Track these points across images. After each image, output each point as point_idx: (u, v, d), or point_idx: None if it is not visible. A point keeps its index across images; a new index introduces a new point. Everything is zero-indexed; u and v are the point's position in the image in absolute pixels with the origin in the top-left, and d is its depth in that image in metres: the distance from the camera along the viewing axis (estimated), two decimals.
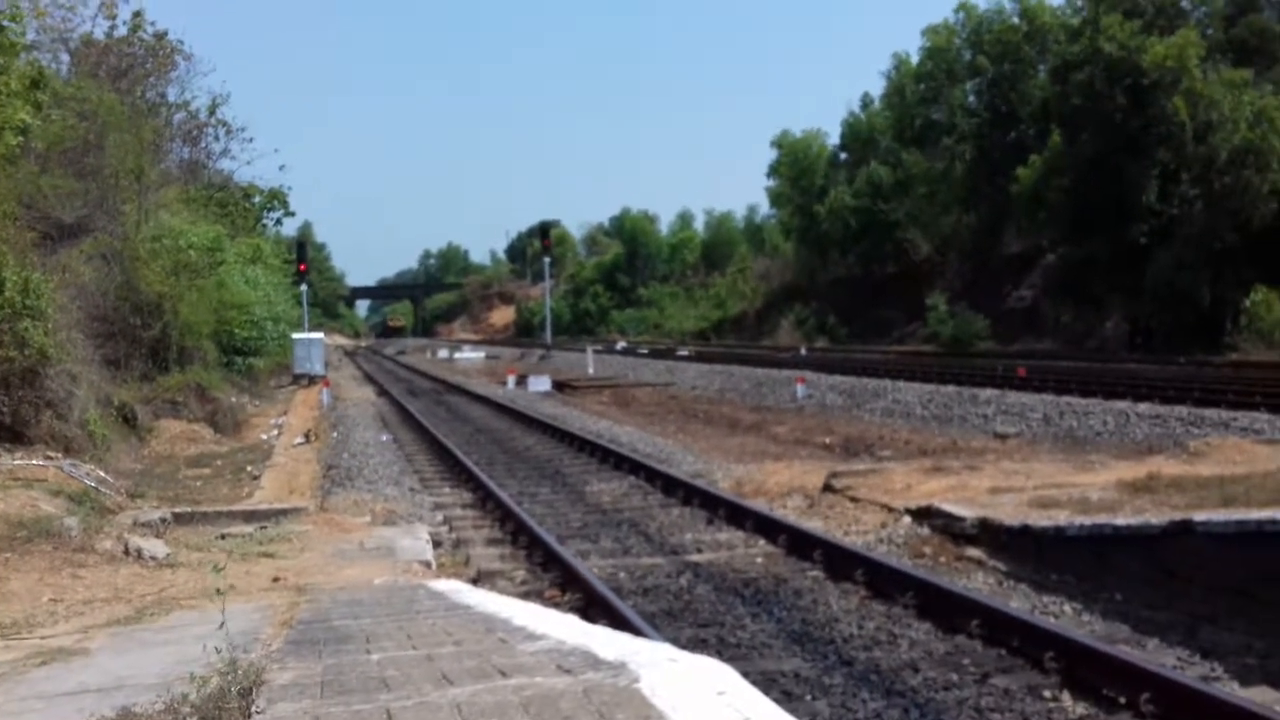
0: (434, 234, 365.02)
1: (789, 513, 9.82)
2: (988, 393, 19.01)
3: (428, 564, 7.55)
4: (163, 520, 8.74)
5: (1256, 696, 5.00)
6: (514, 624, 4.26)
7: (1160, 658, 5.68)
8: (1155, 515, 6.93)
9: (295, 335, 33.08)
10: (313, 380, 29.98)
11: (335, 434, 17.96)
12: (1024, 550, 7.55)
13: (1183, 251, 30.59)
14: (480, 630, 4.19)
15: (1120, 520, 7.07)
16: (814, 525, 9.07)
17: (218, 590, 4.81)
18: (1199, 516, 6.49)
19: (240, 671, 3.57)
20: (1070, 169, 33.63)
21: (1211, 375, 21.04)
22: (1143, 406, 15.75)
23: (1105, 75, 32.18)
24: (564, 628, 4.10)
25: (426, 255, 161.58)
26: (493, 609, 4.78)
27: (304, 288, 41.81)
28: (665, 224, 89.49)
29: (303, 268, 41.75)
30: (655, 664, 3.28)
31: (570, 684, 3.05)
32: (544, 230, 63.10)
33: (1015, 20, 42.04)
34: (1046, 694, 5.14)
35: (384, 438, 17.90)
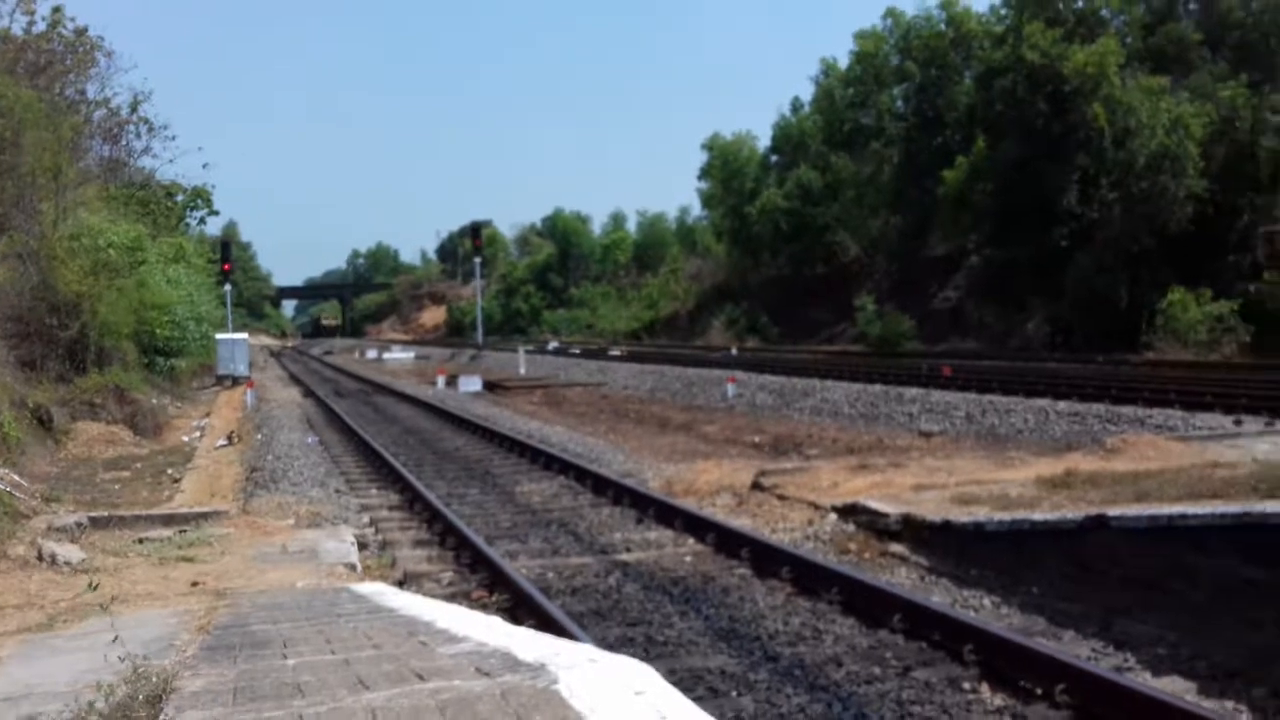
0: (363, 234, 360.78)
1: (718, 511, 9.87)
2: (913, 391, 19.36)
3: (352, 566, 7.43)
4: (79, 525, 8.48)
5: (1167, 686, 5.15)
6: (436, 627, 4.21)
7: (1076, 649, 5.81)
8: (1072, 510, 7.11)
9: (219, 336, 32.64)
10: (237, 381, 29.58)
11: (259, 436, 17.60)
12: (946, 546, 7.69)
13: (1102, 254, 31.47)
14: (401, 634, 4.13)
15: (1038, 515, 7.23)
16: (742, 523, 9.14)
17: (102, 602, 4.66)
18: (1113, 512, 6.67)
19: (149, 679, 3.47)
20: (994, 173, 34.37)
21: (1128, 374, 21.67)
22: (1062, 404, 16.17)
23: (1028, 82, 32.96)
24: (486, 630, 4.06)
25: (355, 255, 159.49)
26: (415, 612, 4.71)
27: (228, 287, 41.16)
28: (598, 225, 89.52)
29: (227, 267, 41.04)
30: (575, 665, 3.26)
31: (488, 686, 3.02)
32: (475, 230, 62.72)
33: (942, 27, 42.75)
34: (966, 686, 5.24)
35: (309, 439, 17.61)
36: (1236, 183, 29.88)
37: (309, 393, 29.70)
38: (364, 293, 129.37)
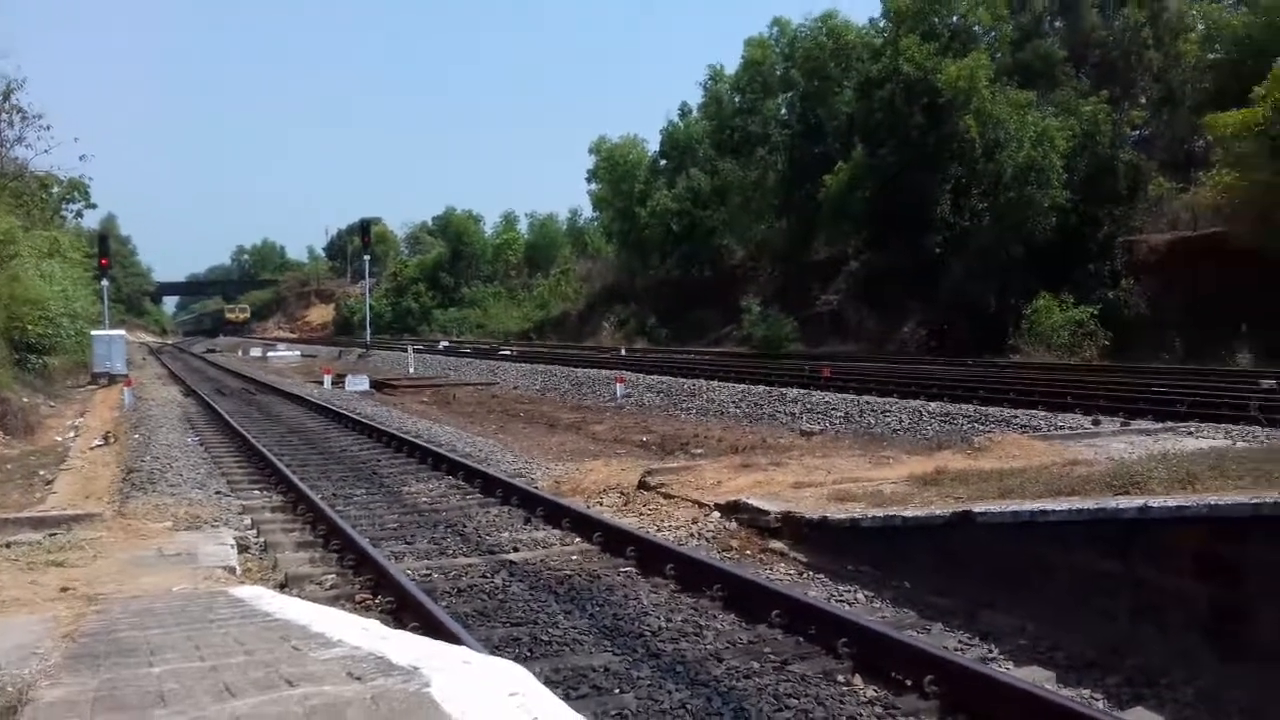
0: (249, 230, 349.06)
1: (605, 510, 9.94)
2: (795, 392, 19.82)
3: (231, 570, 7.25)
4: None
5: (1028, 675, 5.39)
6: (311, 631, 4.15)
7: (943, 641, 6.05)
8: (941, 507, 7.39)
9: (95, 332, 31.56)
10: (114, 379, 28.60)
11: (137, 436, 16.93)
12: (823, 542, 7.91)
13: (972, 261, 32.76)
14: (275, 638, 4.06)
15: (909, 512, 7.50)
16: (628, 522, 9.23)
17: None
18: (978, 508, 6.95)
19: (3, 690, 3.34)
20: (872, 181, 35.40)
21: (996, 376, 22.60)
22: (934, 405, 16.78)
23: (904, 93, 34.07)
24: (362, 634, 4.02)
25: (240, 251, 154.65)
26: (292, 616, 4.63)
27: (105, 283, 39.64)
28: (490, 224, 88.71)
29: (104, 262, 39.59)
30: (449, 668, 3.26)
31: (359, 691, 2.99)
32: (365, 227, 61.50)
33: (823, 38, 43.70)
34: (840, 679, 5.40)
35: (189, 439, 17.02)
36: (1097, 194, 31.46)
37: (190, 391, 28.65)
38: (249, 289, 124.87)
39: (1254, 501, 5.33)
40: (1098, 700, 5.19)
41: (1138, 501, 6.05)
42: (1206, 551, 5.55)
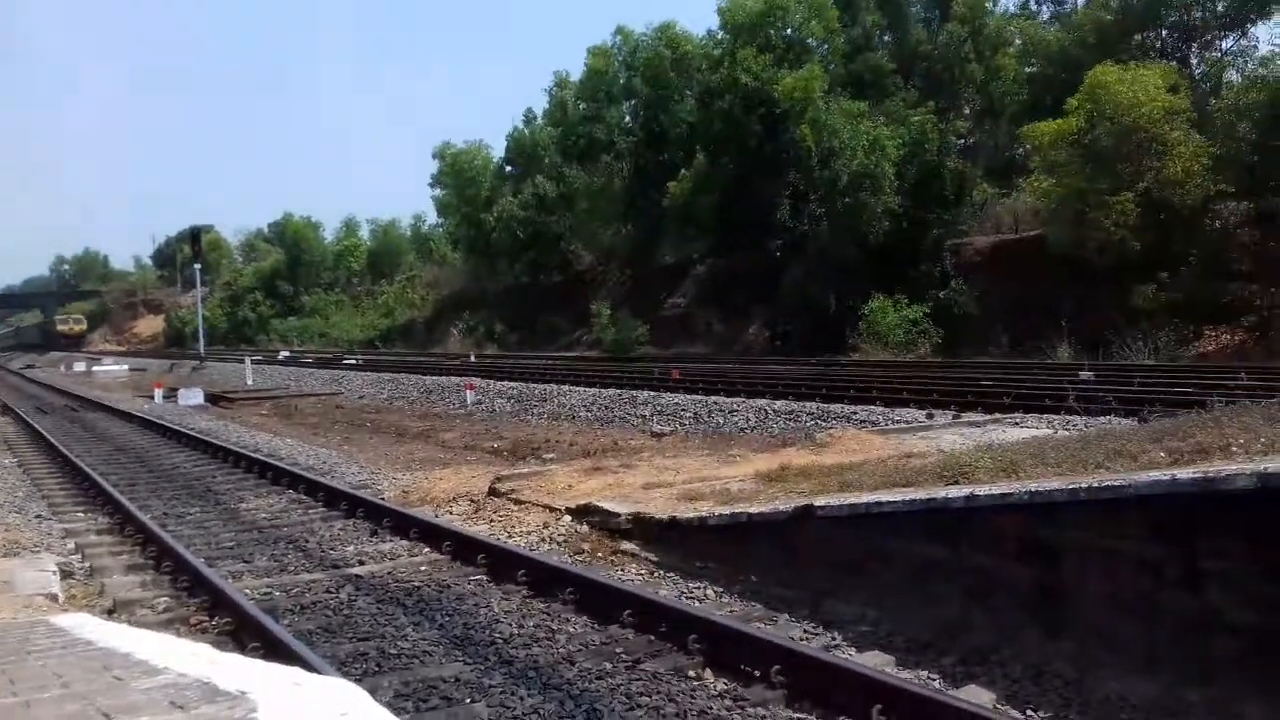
0: (68, 239, 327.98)
1: (455, 519, 9.81)
2: (645, 394, 20.01)
3: (53, 597, 6.81)
4: None
5: (870, 660, 5.60)
6: (135, 659, 3.92)
7: (789, 631, 6.22)
8: (784, 502, 7.60)
9: None
10: None
11: None
12: (673, 541, 8.02)
13: (812, 264, 33.86)
14: (96, 668, 3.82)
15: (754, 509, 7.68)
16: (478, 529, 9.13)
17: None
18: (819, 501, 7.18)
19: None
20: (715, 188, 36.11)
21: (837, 374, 23.41)
22: (779, 403, 17.23)
23: (742, 103, 34.89)
24: (191, 659, 3.82)
25: (60, 261, 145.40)
26: (116, 643, 4.36)
27: None
28: (330, 231, 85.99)
29: None
30: (278, 691, 3.13)
31: None
32: (195, 235, 58.41)
33: (663, 49, 44.12)
34: (691, 674, 5.49)
35: (6, 460, 15.92)
36: (926, 199, 32.99)
37: (5, 409, 26.75)
38: (69, 301, 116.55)
39: (1070, 487, 5.68)
40: (934, 680, 5.42)
41: (966, 491, 6.37)
42: (1029, 536, 5.89)
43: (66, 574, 8.09)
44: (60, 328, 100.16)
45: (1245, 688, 4.76)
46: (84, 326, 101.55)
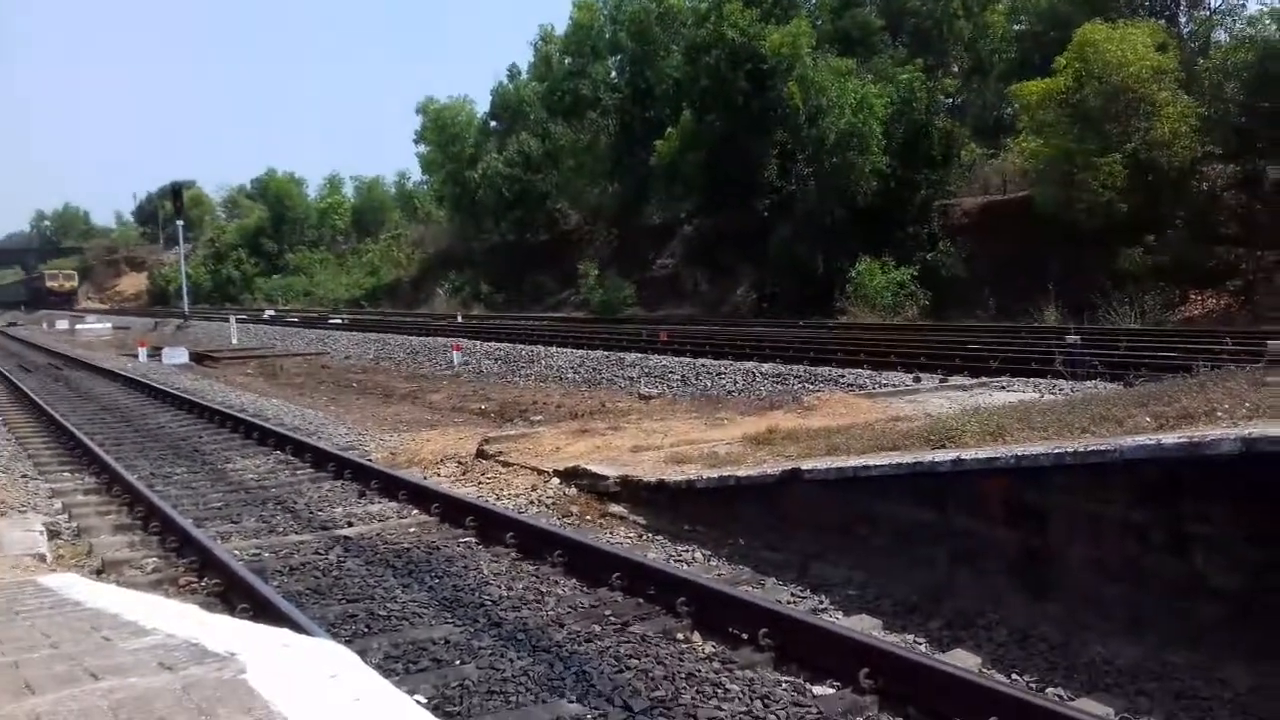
0: (48, 194, 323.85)
1: (443, 481, 9.82)
2: (633, 356, 20.00)
3: (41, 557, 6.82)
4: None
5: (856, 624, 5.65)
6: (123, 619, 3.91)
7: (776, 595, 6.27)
8: (772, 466, 7.62)
9: None
10: None
11: None
12: (661, 504, 8.05)
13: (799, 225, 33.71)
14: (84, 629, 3.82)
15: (742, 472, 7.71)
16: (467, 491, 9.14)
17: None
18: (807, 465, 7.21)
19: None
20: (702, 146, 35.78)
21: (825, 336, 23.42)
22: (767, 366, 17.25)
23: (729, 59, 34.47)
24: (179, 620, 3.82)
25: (40, 217, 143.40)
26: (104, 604, 4.36)
27: None
28: (314, 188, 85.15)
29: None
30: (267, 651, 3.13)
31: (169, 681, 2.84)
32: (176, 191, 57.65)
33: (649, 2, 43.48)
34: (680, 637, 5.53)
35: None
36: (914, 160, 32.79)
37: None
38: (51, 258, 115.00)
39: (1056, 451, 5.72)
40: (920, 644, 5.48)
41: (952, 454, 6.40)
42: (1015, 499, 5.94)
43: (54, 534, 8.08)
44: (50, 284, 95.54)
45: (1230, 651, 4.82)
46: (75, 283, 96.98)
